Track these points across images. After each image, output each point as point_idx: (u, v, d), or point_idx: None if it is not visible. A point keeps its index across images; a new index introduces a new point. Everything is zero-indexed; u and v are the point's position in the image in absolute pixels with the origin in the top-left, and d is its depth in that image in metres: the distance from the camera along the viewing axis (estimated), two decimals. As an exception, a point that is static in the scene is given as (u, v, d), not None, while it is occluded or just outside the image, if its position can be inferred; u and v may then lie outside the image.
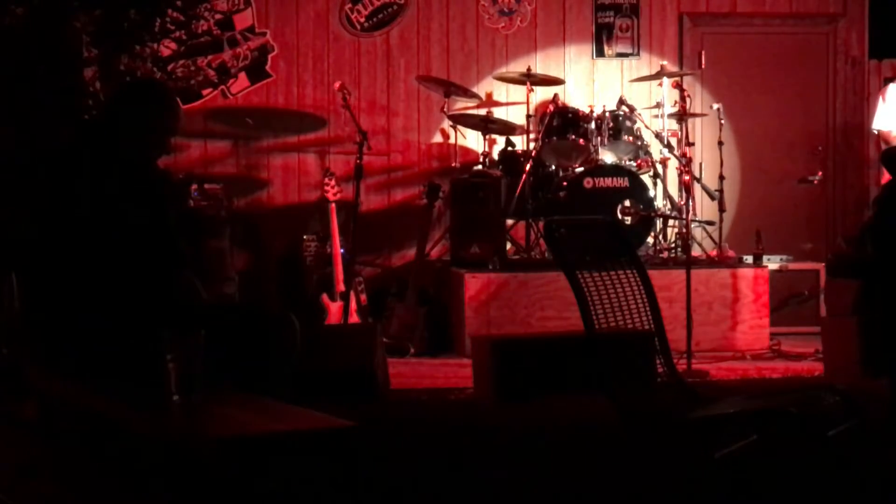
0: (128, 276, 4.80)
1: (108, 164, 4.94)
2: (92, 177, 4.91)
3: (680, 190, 9.33)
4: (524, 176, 9.26)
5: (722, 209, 9.70)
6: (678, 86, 9.66)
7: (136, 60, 8.08)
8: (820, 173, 10.38)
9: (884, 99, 8.93)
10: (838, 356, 7.36)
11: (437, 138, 10.41)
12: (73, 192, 4.89)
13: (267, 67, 10.22)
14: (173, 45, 8.47)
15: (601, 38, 10.60)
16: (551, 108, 9.64)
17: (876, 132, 8.93)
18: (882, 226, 6.26)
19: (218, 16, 9.92)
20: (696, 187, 9.58)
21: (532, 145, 9.61)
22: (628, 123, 9.59)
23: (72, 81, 7.68)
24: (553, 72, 10.28)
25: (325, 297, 9.10)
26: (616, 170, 9.35)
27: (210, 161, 10.15)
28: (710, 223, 9.69)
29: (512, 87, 10.25)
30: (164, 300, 4.85)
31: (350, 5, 10.30)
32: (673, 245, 9.55)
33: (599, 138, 9.47)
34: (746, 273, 9.19)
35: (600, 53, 10.61)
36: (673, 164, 9.70)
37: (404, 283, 9.33)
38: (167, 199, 5.14)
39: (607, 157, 9.55)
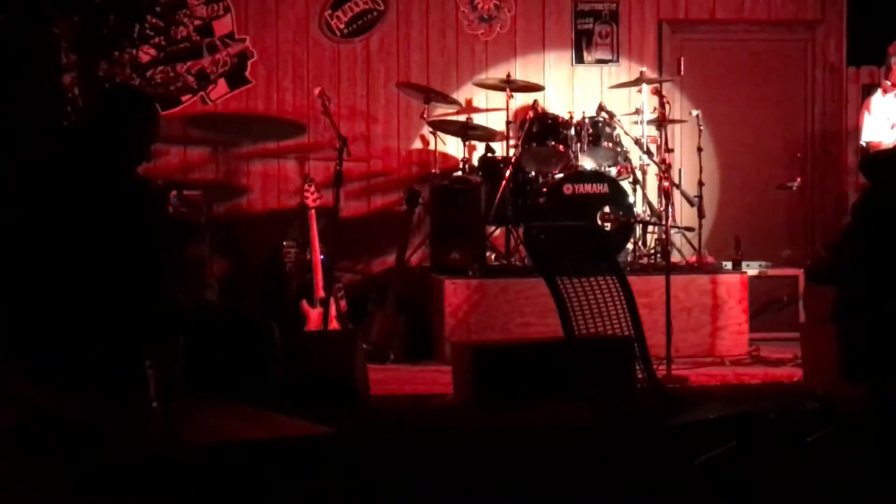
0: (107, 284, 4.79)
1: (87, 171, 4.93)
2: (71, 184, 4.89)
3: (659, 196, 9.36)
4: (504, 182, 9.26)
5: (701, 215, 9.72)
6: (657, 92, 9.69)
7: (115, 66, 8.06)
8: (798, 179, 10.40)
9: (869, 111, 8.94)
10: (817, 362, 7.38)
11: (417, 144, 10.41)
12: (53, 199, 4.88)
13: (246, 73, 10.20)
14: (152, 52, 8.47)
15: (581, 45, 10.62)
16: (531, 114, 9.65)
17: (864, 144, 8.96)
18: (860, 232, 6.28)
19: (197, 22, 9.92)
20: (676, 193, 9.60)
21: (512, 151, 9.62)
22: (608, 130, 9.61)
23: (50, 87, 7.66)
24: (533, 78, 10.29)
25: (304, 303, 9.09)
26: (596, 176, 9.36)
27: (189, 167, 10.13)
28: (690, 229, 9.71)
29: (492, 93, 10.26)
30: (144, 307, 4.83)
31: (330, 12, 10.30)
32: (652, 251, 9.57)
33: (579, 144, 9.48)
34: (726, 279, 9.22)
35: (580, 60, 10.63)
36: (652, 170, 9.72)
37: (384, 289, 9.32)
38: (146, 207, 5.13)
39: (587, 163, 9.57)
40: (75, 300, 4.75)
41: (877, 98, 8.91)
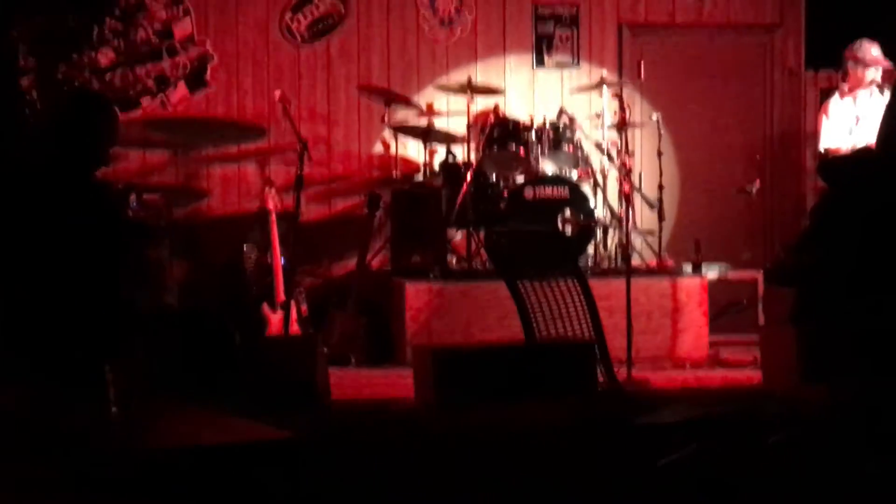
0: (66, 287, 4.76)
1: (46, 174, 4.90)
2: (30, 188, 4.87)
3: (620, 200, 9.38)
4: (465, 186, 9.26)
5: (661, 218, 9.74)
6: (618, 96, 9.71)
7: (74, 69, 8.03)
8: (758, 182, 10.44)
9: (827, 115, 8.98)
10: (777, 364, 7.40)
11: (378, 148, 10.40)
12: (11, 201, 4.84)
13: (206, 77, 10.16)
14: (111, 55, 8.43)
15: (541, 48, 10.63)
16: (492, 118, 9.66)
17: (823, 151, 9.01)
18: (819, 234, 6.31)
19: (157, 25, 9.88)
20: (636, 197, 9.62)
21: (473, 155, 9.62)
22: (568, 134, 9.62)
23: (8, 90, 7.61)
24: (493, 82, 10.30)
25: (265, 307, 9.06)
26: (556, 180, 9.38)
27: (149, 171, 10.08)
28: (650, 233, 9.73)
29: (452, 96, 10.25)
30: (103, 311, 4.81)
31: (290, 15, 10.27)
32: (613, 254, 9.59)
33: (540, 148, 9.50)
34: (686, 282, 9.24)
35: (540, 63, 10.65)
36: (613, 173, 9.74)
37: (345, 293, 9.30)
38: (105, 210, 5.10)
39: (548, 167, 9.58)
40: (34, 303, 4.72)
41: (834, 102, 8.96)
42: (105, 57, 8.36)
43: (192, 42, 10.12)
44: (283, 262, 9.13)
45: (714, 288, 9.49)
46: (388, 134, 10.11)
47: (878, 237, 4.27)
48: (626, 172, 8.89)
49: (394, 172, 10.02)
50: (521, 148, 9.45)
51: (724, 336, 9.51)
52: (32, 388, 4.50)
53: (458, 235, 9.67)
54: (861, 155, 6.20)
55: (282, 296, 9.00)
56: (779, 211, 11.06)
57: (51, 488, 3.95)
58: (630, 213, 8.80)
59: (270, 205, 9.25)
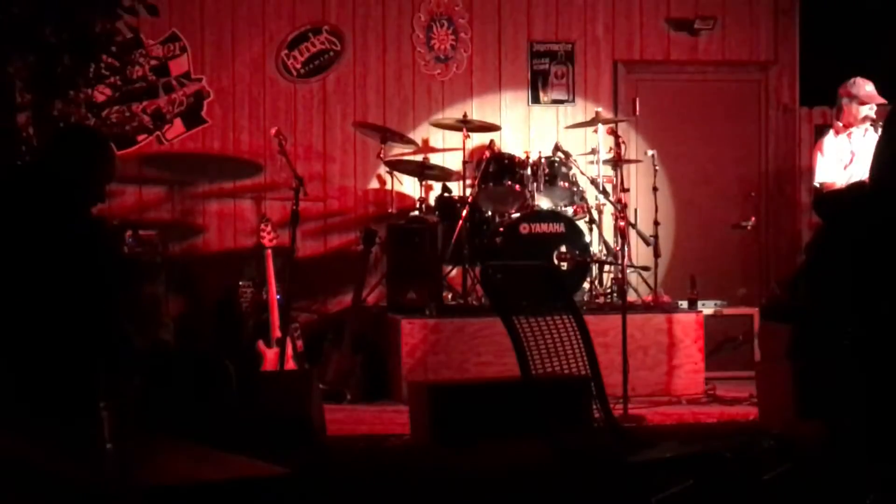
0: (61, 324, 4.75)
1: (42, 211, 4.90)
2: (25, 224, 4.86)
3: (615, 235, 9.40)
4: (461, 222, 9.28)
5: (657, 254, 9.75)
6: (613, 132, 9.74)
7: (70, 106, 8.02)
8: (753, 218, 10.48)
9: (822, 152, 9.00)
10: (772, 400, 7.40)
11: (374, 184, 10.41)
12: (5, 238, 4.84)
13: (202, 113, 10.19)
14: (108, 91, 8.42)
15: (537, 85, 10.67)
16: (487, 154, 9.68)
17: (818, 185, 9.03)
18: (814, 270, 6.31)
19: (153, 62, 9.90)
20: (632, 233, 9.64)
21: (468, 191, 9.64)
22: (564, 169, 9.64)
23: (4, 127, 7.62)
24: (489, 118, 10.33)
25: (260, 343, 9.06)
26: (552, 216, 9.39)
27: (145, 207, 10.09)
28: (646, 268, 9.74)
29: (448, 133, 10.28)
30: (98, 347, 4.80)
31: (286, 51, 10.31)
32: (609, 290, 9.60)
33: (535, 184, 9.51)
34: (681, 318, 9.24)
35: (536, 100, 10.68)
36: (608, 209, 9.77)
37: (341, 329, 9.30)
38: (101, 247, 5.10)
39: (543, 202, 9.60)
40: (29, 340, 4.71)
41: (829, 139, 8.98)
42: (101, 94, 8.36)
43: (189, 78, 10.15)
44: (278, 297, 9.13)
45: (710, 324, 9.50)
46: (383, 170, 10.13)
47: (872, 271, 4.27)
48: (621, 208, 8.91)
49: (389, 208, 10.03)
50: (517, 184, 9.46)
51: (719, 372, 9.51)
52: (27, 426, 4.49)
53: (453, 271, 9.68)
54: (856, 189, 6.21)
55: (277, 332, 9.00)
56: (774, 247, 11.07)
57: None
58: (626, 248, 8.81)
59: (266, 241, 9.26)
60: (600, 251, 9.64)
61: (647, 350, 9.09)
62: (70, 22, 7.80)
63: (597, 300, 9.46)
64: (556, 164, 9.63)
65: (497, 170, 9.53)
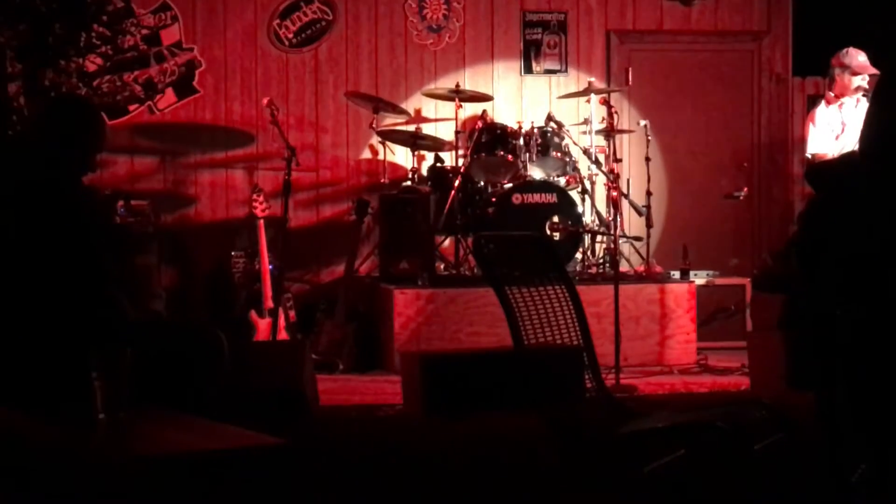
0: (52, 295, 4.75)
1: (32, 181, 4.89)
2: (16, 194, 4.85)
3: (608, 206, 9.39)
4: (453, 192, 9.27)
5: (649, 225, 9.76)
6: (606, 102, 9.71)
7: (61, 76, 8.00)
8: (745, 189, 10.49)
9: (813, 122, 8.99)
10: (764, 370, 7.42)
11: (366, 154, 10.40)
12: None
13: (194, 83, 10.15)
14: (99, 61, 8.41)
15: (529, 55, 10.65)
16: (480, 124, 9.67)
17: (810, 156, 9.02)
18: (806, 241, 6.32)
19: (144, 31, 9.87)
20: (624, 203, 9.63)
21: (461, 161, 9.64)
22: (556, 140, 9.63)
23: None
24: (481, 88, 10.31)
25: (253, 313, 9.06)
26: (544, 186, 9.39)
27: (137, 177, 10.07)
28: (638, 239, 9.75)
29: (441, 103, 10.27)
30: (90, 318, 4.80)
31: (278, 21, 10.27)
32: (601, 261, 9.61)
33: (528, 154, 9.51)
34: (674, 288, 9.26)
35: (528, 70, 10.66)
36: (601, 180, 9.76)
37: (333, 299, 9.30)
38: (92, 217, 5.09)
39: (536, 173, 9.60)
40: (20, 310, 4.71)
41: (821, 110, 8.97)
42: (92, 63, 8.34)
43: (180, 48, 10.11)
44: (271, 268, 9.13)
45: (702, 294, 9.52)
46: (376, 140, 10.11)
47: (862, 240, 4.28)
48: (613, 178, 8.90)
49: (382, 178, 10.01)
50: (510, 154, 9.46)
51: (712, 342, 9.53)
52: (18, 397, 4.49)
53: (446, 241, 9.68)
54: (847, 159, 6.21)
55: (270, 302, 9.00)
56: (766, 217, 11.08)
57: (37, 497, 3.95)
58: (618, 219, 8.82)
59: (258, 211, 9.25)
60: (593, 221, 9.65)
61: (640, 320, 9.10)
62: (61, -10, 7.78)
63: (589, 270, 9.47)
64: (549, 135, 9.62)
65: (489, 140, 9.52)
